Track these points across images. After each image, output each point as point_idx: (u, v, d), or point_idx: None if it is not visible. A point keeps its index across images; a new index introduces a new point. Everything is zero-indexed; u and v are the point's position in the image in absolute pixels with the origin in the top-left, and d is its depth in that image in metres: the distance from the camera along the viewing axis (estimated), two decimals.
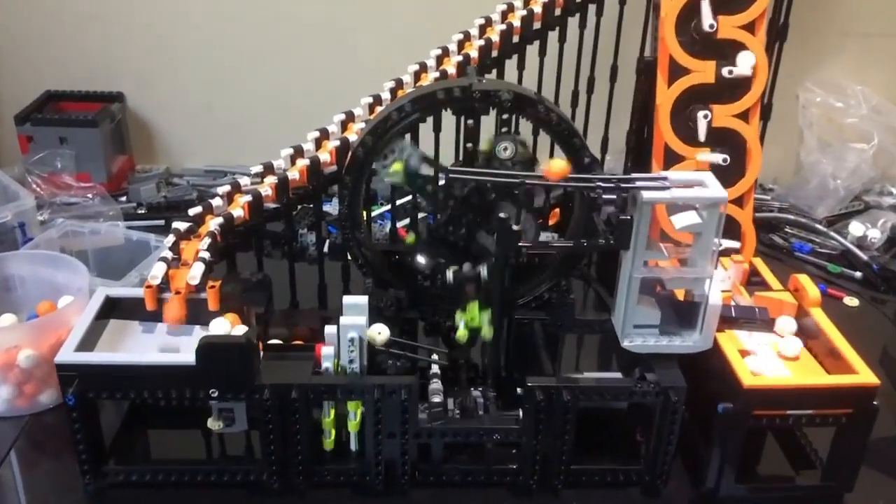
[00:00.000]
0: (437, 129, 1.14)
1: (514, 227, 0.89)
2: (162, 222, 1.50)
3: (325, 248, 1.35)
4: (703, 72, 1.18)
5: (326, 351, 0.90)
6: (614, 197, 0.93)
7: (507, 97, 0.97)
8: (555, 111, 1.00)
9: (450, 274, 0.94)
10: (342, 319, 0.89)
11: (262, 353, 0.92)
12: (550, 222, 1.40)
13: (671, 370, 0.95)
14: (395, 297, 1.08)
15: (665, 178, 0.93)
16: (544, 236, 1.24)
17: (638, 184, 0.93)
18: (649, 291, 0.97)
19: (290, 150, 1.13)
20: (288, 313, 1.16)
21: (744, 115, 1.23)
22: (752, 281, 1.09)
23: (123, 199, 1.64)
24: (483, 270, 0.92)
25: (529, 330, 1.09)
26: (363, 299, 0.93)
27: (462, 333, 0.92)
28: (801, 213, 1.64)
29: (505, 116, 1.04)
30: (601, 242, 0.95)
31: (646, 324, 0.96)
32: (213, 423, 0.93)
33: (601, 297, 1.32)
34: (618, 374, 1.00)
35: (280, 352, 0.96)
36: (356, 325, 0.89)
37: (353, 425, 0.94)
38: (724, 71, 1.17)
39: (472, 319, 0.91)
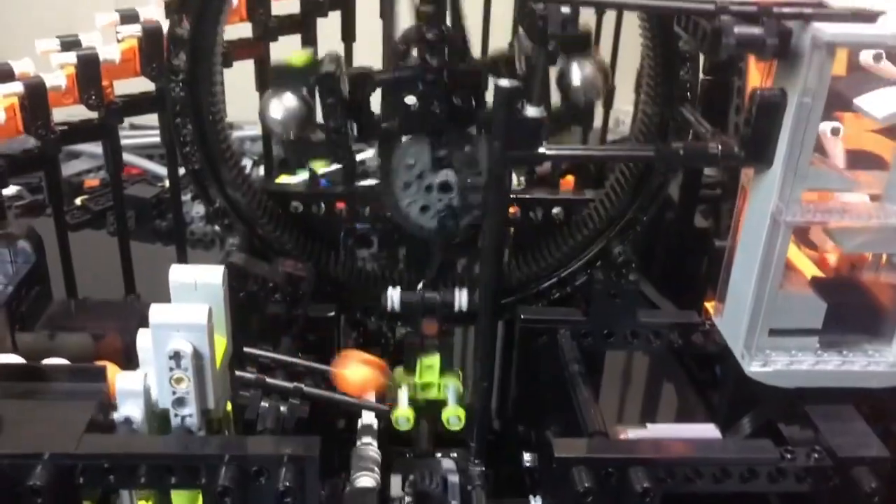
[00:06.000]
0: None
1: (532, 113, 0.50)
2: None
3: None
4: None
5: (126, 385, 0.52)
6: (757, 32, 0.47)
7: None
8: None
9: None
10: (153, 313, 0.51)
11: None
12: (562, 188, 1.10)
13: (850, 424, 0.56)
14: (286, 275, 0.61)
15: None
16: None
17: (806, 10, 0.48)
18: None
19: None
20: (78, 306, 0.66)
21: None
22: None
23: None
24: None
25: (549, 344, 0.67)
26: (212, 273, 0.53)
27: (404, 414, 0.63)
28: None
29: None
30: (713, 152, 0.51)
31: (794, 328, 0.57)
32: None
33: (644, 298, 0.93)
34: (709, 428, 0.63)
35: (30, 381, 0.56)
36: (188, 324, 0.51)
37: None
38: None
39: (427, 369, 0.63)
